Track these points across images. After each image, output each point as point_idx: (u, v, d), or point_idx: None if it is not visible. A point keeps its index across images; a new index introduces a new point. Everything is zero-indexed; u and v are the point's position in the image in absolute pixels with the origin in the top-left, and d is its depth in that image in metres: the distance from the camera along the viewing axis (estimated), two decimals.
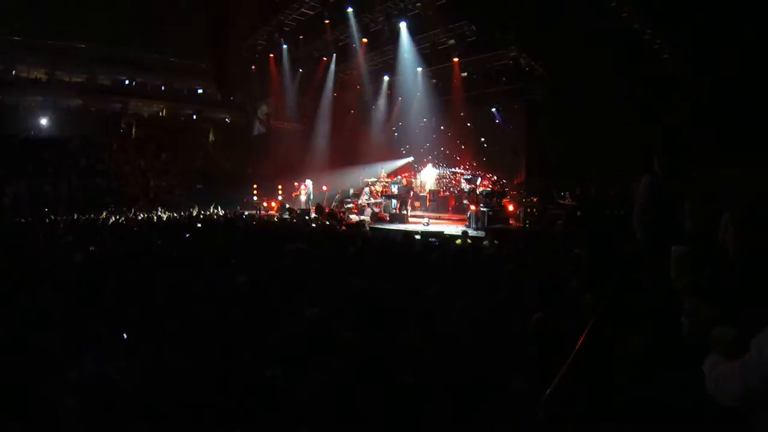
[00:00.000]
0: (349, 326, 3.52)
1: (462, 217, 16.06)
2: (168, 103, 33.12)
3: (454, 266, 6.30)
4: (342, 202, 20.97)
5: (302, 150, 25.68)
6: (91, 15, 26.82)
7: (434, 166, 22.02)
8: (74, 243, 8.52)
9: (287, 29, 21.41)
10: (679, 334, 2.57)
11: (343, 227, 13.19)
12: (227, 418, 2.57)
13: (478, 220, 13.78)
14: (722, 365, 1.78)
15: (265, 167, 25.91)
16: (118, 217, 15.45)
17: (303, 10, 19.84)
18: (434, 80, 21.00)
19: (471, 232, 11.62)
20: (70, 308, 4.09)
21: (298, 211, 18.43)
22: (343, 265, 6.27)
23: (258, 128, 29.40)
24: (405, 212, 16.64)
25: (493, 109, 19.77)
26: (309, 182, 21.25)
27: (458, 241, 9.32)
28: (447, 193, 19.33)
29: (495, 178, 18.41)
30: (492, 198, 14.45)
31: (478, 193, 15.35)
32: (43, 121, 28.09)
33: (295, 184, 22.21)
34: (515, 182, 18.15)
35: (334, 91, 24.65)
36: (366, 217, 17.00)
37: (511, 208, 14.68)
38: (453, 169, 21.19)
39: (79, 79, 30.07)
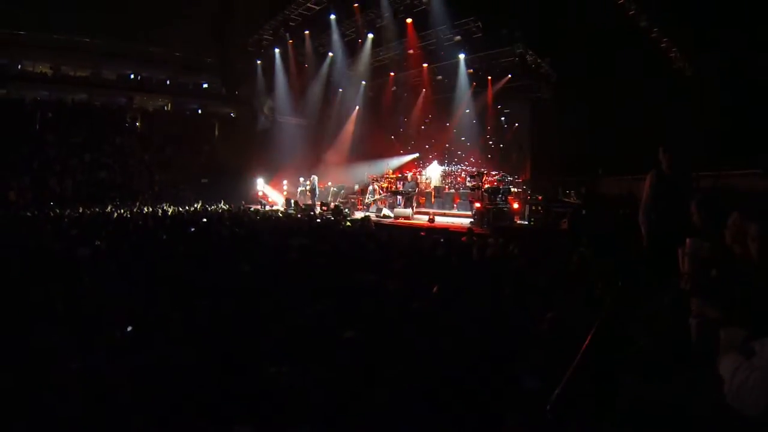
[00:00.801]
0: (353, 323, 3.51)
1: (467, 214, 16.04)
2: (173, 97, 33.25)
3: (459, 263, 6.28)
4: (347, 198, 20.98)
5: (307, 145, 25.69)
6: (96, 9, 26.82)
7: (439, 162, 21.99)
8: (79, 237, 8.54)
9: (293, 24, 21.34)
10: (686, 335, 2.56)
11: (348, 223, 13.17)
12: (230, 414, 2.57)
13: (483, 217, 13.76)
14: (744, 370, 1.70)
15: (270, 162, 25.90)
16: (123, 210, 15.48)
17: (309, 5, 19.77)
18: (440, 76, 20.95)
19: (476, 230, 11.59)
20: (73, 302, 4.09)
21: (303, 207, 18.43)
22: (347, 261, 6.26)
23: (263, 123, 29.36)
24: (410, 208, 16.62)
25: (499, 106, 19.72)
26: (314, 177, 21.22)
27: (463, 238, 9.29)
28: (452, 190, 19.28)
29: (500, 175, 18.38)
30: (497, 195, 14.41)
31: (483, 190, 15.31)
32: (48, 115, 28.12)
33: (300, 179, 22.21)
34: (520, 180, 18.11)
35: (339, 87, 24.64)
36: (371, 213, 16.99)
37: (516, 205, 14.64)
38: (458, 166, 21.17)
39: (85, 74, 30.22)
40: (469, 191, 17.66)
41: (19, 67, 28.33)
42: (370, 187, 19.65)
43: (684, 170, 4.74)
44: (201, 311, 3.95)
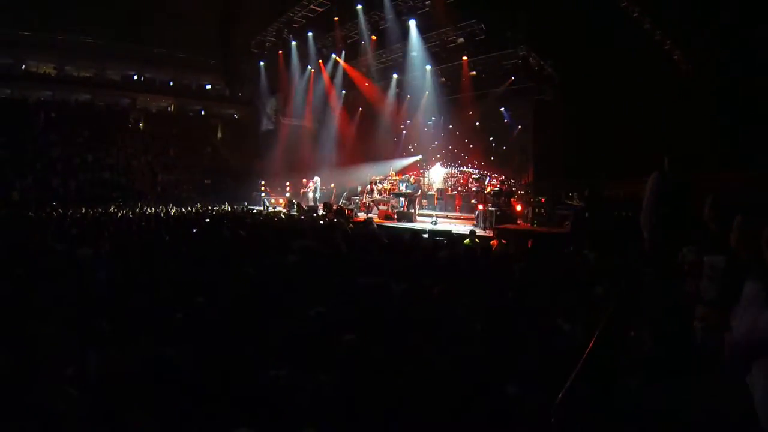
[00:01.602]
0: (354, 326, 3.50)
1: (470, 216, 16.01)
2: (176, 98, 33.31)
3: (462, 266, 6.26)
4: (350, 200, 20.97)
5: (310, 146, 25.70)
6: (100, 10, 26.90)
7: (442, 164, 21.96)
8: (81, 237, 8.55)
9: (296, 26, 21.36)
10: (690, 338, 2.54)
11: (351, 225, 13.16)
12: (230, 417, 2.56)
13: (486, 219, 13.75)
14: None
15: (273, 163, 25.92)
16: (126, 211, 15.50)
17: (312, 6, 19.77)
18: (443, 78, 20.92)
19: (479, 232, 11.58)
20: (74, 302, 4.09)
21: (305, 208, 18.43)
22: (349, 264, 6.24)
23: (266, 124, 29.41)
24: (413, 211, 16.60)
25: (502, 109, 19.68)
26: (317, 179, 21.21)
27: (466, 241, 9.28)
28: (455, 192, 19.24)
29: (503, 177, 18.33)
30: (500, 198, 14.40)
31: (486, 192, 15.28)
32: (52, 116, 28.20)
33: (303, 180, 22.20)
34: (523, 182, 18.04)
35: (342, 88, 24.64)
36: (374, 215, 16.98)
37: (519, 208, 14.63)
38: (461, 168, 21.14)
39: (88, 74, 30.30)
40: (472, 193, 17.65)
41: (23, 67, 28.42)
42: (374, 189, 19.66)
43: (686, 172, 4.72)
44: (202, 313, 3.94)
